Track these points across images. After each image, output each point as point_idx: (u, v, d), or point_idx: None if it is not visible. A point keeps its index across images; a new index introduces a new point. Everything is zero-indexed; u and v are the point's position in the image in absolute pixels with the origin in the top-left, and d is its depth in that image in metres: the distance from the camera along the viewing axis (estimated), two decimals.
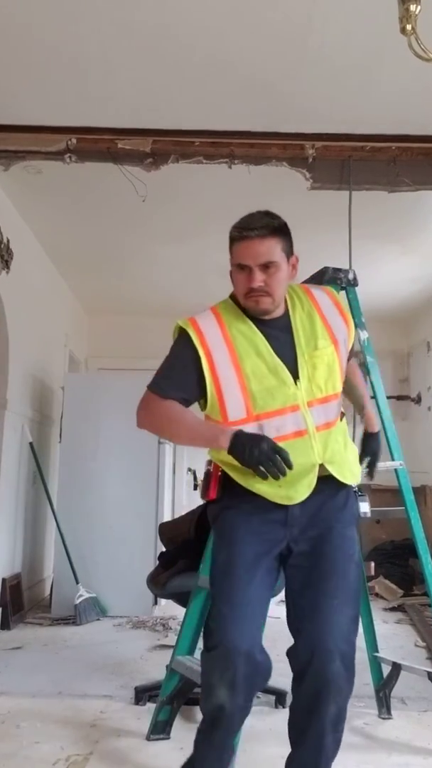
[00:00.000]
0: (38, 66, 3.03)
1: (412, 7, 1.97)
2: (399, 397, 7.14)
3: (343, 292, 2.62)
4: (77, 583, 4.65)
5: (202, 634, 1.87)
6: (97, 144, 3.47)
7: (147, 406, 1.94)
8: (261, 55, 2.94)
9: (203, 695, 1.83)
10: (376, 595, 5.44)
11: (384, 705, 2.79)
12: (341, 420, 1.96)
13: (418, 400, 7.03)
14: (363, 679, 3.04)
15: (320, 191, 3.73)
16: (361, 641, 2.89)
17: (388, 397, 3.04)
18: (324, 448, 1.86)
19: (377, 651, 2.86)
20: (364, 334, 2.65)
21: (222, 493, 1.92)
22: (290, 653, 1.81)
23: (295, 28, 2.77)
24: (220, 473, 1.92)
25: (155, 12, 2.69)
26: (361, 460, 2.11)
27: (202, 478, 1.99)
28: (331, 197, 3.85)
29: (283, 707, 2.86)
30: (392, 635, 4.28)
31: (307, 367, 1.89)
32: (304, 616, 1.79)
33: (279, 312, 1.94)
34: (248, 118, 3.39)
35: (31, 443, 4.93)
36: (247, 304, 1.91)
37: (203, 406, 1.93)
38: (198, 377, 1.88)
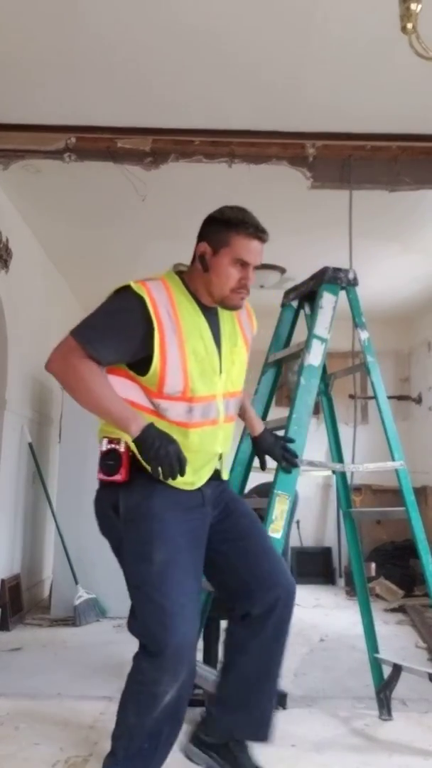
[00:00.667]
0: (38, 65, 3.02)
1: (413, 6, 1.97)
2: (400, 397, 7.13)
3: (342, 292, 2.61)
4: (77, 584, 4.64)
5: (144, 640, 1.83)
6: (96, 143, 3.46)
7: (65, 357, 1.84)
8: (262, 54, 2.93)
9: (138, 713, 1.80)
10: (377, 595, 5.44)
11: (385, 706, 2.78)
12: None
13: (418, 400, 7.03)
14: (364, 681, 3.04)
15: (321, 190, 3.72)
16: (362, 642, 2.91)
17: (389, 397, 3.04)
18: (225, 440, 2.02)
19: (378, 652, 2.86)
20: (364, 334, 2.64)
21: (132, 476, 1.86)
22: (252, 600, 1.95)
23: (297, 27, 2.76)
24: (129, 453, 1.86)
25: (154, 11, 2.68)
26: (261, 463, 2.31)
27: (103, 456, 1.89)
28: (331, 197, 3.84)
29: (283, 708, 2.85)
30: (393, 636, 4.28)
31: (228, 361, 2.00)
32: (251, 564, 1.98)
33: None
34: (248, 117, 3.38)
35: (30, 444, 4.92)
36: (229, 298, 1.97)
37: (141, 373, 1.86)
38: (138, 348, 1.84)
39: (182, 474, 1.80)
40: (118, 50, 2.93)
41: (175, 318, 1.88)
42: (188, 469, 1.85)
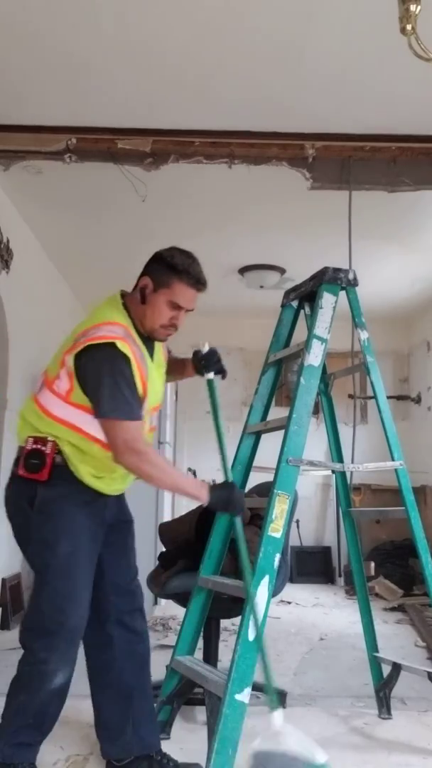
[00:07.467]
0: (38, 66, 3.03)
1: (412, 7, 1.98)
2: (399, 397, 7.15)
3: (342, 292, 2.62)
4: None
5: (39, 622, 2.03)
6: (97, 144, 3.48)
7: (129, 447, 2.02)
8: (261, 55, 2.94)
9: (29, 691, 2.01)
10: (376, 595, 5.45)
11: (384, 705, 2.79)
12: None
13: (418, 399, 7.04)
14: (363, 679, 3.05)
15: (320, 191, 3.73)
16: (361, 641, 2.92)
17: (388, 397, 3.05)
18: None
19: (377, 651, 2.86)
20: (364, 334, 2.65)
21: (52, 476, 2.06)
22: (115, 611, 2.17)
23: (296, 28, 2.77)
24: (55, 455, 2.07)
25: (155, 13, 2.69)
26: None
27: (26, 454, 2.08)
28: (331, 197, 3.85)
29: (283, 706, 2.86)
30: (392, 635, 4.29)
31: (157, 384, 2.25)
32: (122, 582, 2.25)
33: None
34: (248, 118, 3.39)
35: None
36: (158, 332, 2.19)
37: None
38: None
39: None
40: (118, 51, 2.94)
41: (140, 371, 2.09)
42: (118, 478, 2.18)
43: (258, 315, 6.44)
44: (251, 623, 2.06)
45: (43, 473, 2.05)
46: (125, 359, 2.03)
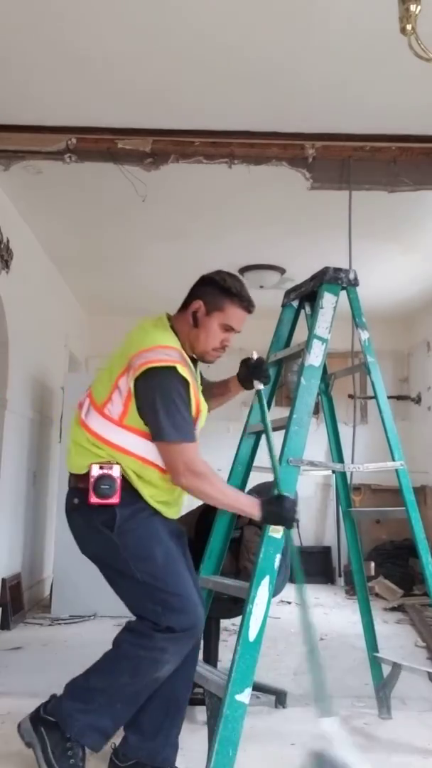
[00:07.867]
0: (38, 66, 3.03)
1: (412, 7, 1.98)
2: (399, 397, 7.15)
3: (343, 292, 2.61)
4: None
5: (162, 623, 2.01)
6: (97, 144, 3.47)
7: (190, 470, 2.03)
8: (261, 55, 2.94)
9: (134, 675, 2.00)
10: (377, 595, 5.45)
11: (384, 705, 2.79)
12: None
13: (418, 399, 7.04)
14: (363, 679, 3.05)
15: (320, 191, 3.73)
16: (361, 641, 2.92)
17: (388, 397, 3.04)
18: None
19: (377, 651, 2.87)
20: (364, 334, 2.65)
21: (123, 497, 2.07)
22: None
23: (296, 28, 2.77)
24: (121, 478, 2.07)
25: (155, 13, 2.69)
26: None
27: (96, 481, 2.05)
28: (331, 197, 3.85)
29: (283, 707, 2.87)
30: (392, 635, 4.29)
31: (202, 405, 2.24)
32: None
33: None
34: (248, 118, 3.39)
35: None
36: (209, 354, 2.23)
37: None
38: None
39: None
40: (118, 51, 2.93)
41: (195, 394, 2.13)
42: (172, 501, 2.18)
43: (258, 315, 6.43)
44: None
45: (115, 497, 2.06)
46: (185, 383, 2.06)
